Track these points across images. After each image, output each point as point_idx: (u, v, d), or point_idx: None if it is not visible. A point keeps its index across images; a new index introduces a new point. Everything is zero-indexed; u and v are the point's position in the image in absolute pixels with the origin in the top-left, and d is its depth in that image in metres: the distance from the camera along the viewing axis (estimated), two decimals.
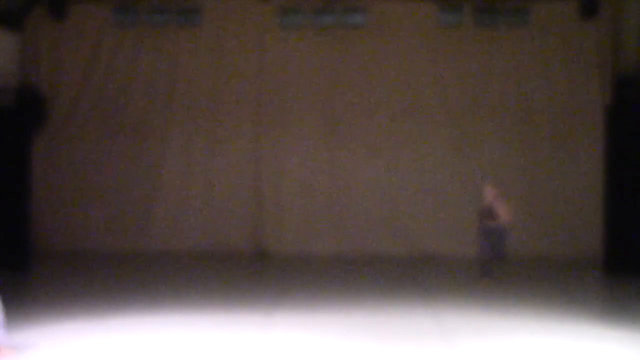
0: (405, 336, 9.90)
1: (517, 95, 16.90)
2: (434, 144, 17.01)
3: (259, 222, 17.04)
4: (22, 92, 15.85)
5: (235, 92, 17.10)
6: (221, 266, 15.67)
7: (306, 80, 17.06)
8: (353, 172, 17.01)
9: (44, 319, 10.49)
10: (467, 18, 16.25)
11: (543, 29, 16.56)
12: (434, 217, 16.84)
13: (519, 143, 16.87)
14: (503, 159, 16.83)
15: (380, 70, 16.99)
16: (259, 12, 16.73)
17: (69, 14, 16.33)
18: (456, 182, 16.89)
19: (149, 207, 16.99)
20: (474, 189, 16.68)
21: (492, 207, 13.19)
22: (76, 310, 11.05)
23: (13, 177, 14.49)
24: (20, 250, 14.46)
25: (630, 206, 14.52)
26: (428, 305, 11.78)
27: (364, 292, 12.52)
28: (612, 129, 14.84)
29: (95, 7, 16.69)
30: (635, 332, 10.15)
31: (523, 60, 16.82)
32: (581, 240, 16.34)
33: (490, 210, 13.21)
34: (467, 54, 16.87)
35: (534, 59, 16.77)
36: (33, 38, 16.73)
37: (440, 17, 16.33)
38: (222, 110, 17.07)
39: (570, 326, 10.47)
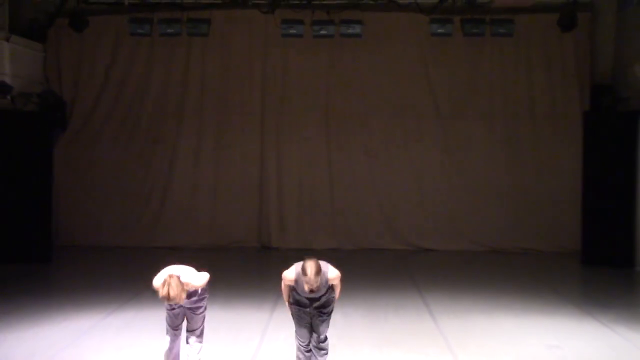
0: (397, 320, 10.19)
1: (502, 100, 17.01)
2: (425, 145, 17.11)
3: (263, 219, 17.16)
4: (45, 98, 15.93)
5: (241, 97, 17.19)
6: (228, 259, 15.83)
7: (307, 86, 17.16)
8: (350, 171, 17.13)
9: (64, 308, 10.74)
10: (456, 29, 16.36)
11: (526, 39, 16.69)
12: (425, 214, 16.97)
13: (504, 145, 16.98)
14: (489, 159, 16.94)
15: (376, 76, 17.10)
16: (263, 22, 16.81)
17: (88, 26, 16.43)
18: (446, 181, 17.05)
19: (161, 204, 17.07)
20: (462, 187, 17.02)
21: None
22: (94, 299, 11.25)
23: (36, 176, 14.62)
24: (43, 244, 14.60)
25: (605, 204, 14.72)
26: (419, 293, 12.03)
27: (360, 282, 12.69)
28: (590, 133, 14.99)
29: (112, 19, 16.79)
30: (608, 317, 10.44)
31: (507, 68, 16.94)
32: (561, 235, 16.48)
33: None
34: (455, 62, 16.99)
35: (518, 67, 16.89)
36: (55, 48, 16.84)
37: (431, 28, 16.40)
38: (228, 115, 17.17)
39: (550, 312, 10.76)
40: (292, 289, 7.10)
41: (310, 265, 6.72)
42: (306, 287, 6.83)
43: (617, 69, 16.34)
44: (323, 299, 7.08)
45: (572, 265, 15.14)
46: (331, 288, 7.13)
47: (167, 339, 7.28)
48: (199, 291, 7.21)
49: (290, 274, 6.98)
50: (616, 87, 15.98)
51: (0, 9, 15.00)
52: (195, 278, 7.08)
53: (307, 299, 7.04)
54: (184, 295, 6.85)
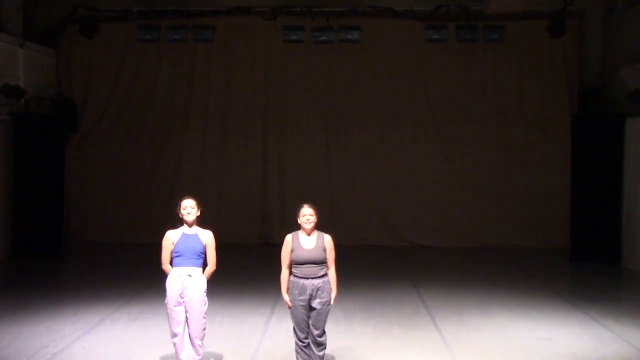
0: (393, 314, 10.19)
1: (494, 103, 17.05)
2: (421, 147, 17.14)
3: (266, 216, 17.19)
4: (57, 101, 15.96)
5: (244, 101, 17.23)
6: (231, 255, 15.80)
7: (307, 90, 17.18)
8: (349, 172, 17.15)
9: (75, 303, 10.74)
10: (450, 35, 16.38)
11: (517, 45, 16.74)
12: (421, 212, 16.95)
13: (497, 146, 17.01)
14: (482, 160, 16.97)
15: (373, 81, 17.12)
16: (265, 29, 16.83)
17: (98, 32, 16.47)
18: (440, 182, 17.04)
19: (168, 203, 16.98)
20: (456, 187, 17.03)
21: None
22: (103, 295, 11.25)
23: (48, 176, 14.63)
24: (55, 242, 14.59)
25: (593, 202, 14.74)
26: (415, 288, 12.04)
27: (358, 277, 12.73)
28: (578, 134, 15.02)
29: (121, 26, 16.82)
30: (596, 311, 10.45)
31: (499, 72, 16.99)
32: (551, 232, 16.50)
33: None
34: (450, 67, 17.03)
35: (509, 72, 16.94)
36: (66, 53, 16.89)
37: (426, 34, 16.43)
38: (232, 118, 17.20)
39: (540, 306, 10.76)
40: (292, 262, 7.21)
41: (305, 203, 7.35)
42: (303, 221, 7.22)
43: (604, 73, 16.36)
44: (321, 274, 7.18)
45: (561, 261, 15.13)
46: (326, 262, 7.31)
47: (172, 339, 7.24)
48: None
49: (288, 236, 7.29)
50: (604, 90, 15.99)
51: (15, 16, 15.05)
52: (210, 240, 7.79)
53: (306, 263, 7.15)
54: (195, 206, 7.52)
